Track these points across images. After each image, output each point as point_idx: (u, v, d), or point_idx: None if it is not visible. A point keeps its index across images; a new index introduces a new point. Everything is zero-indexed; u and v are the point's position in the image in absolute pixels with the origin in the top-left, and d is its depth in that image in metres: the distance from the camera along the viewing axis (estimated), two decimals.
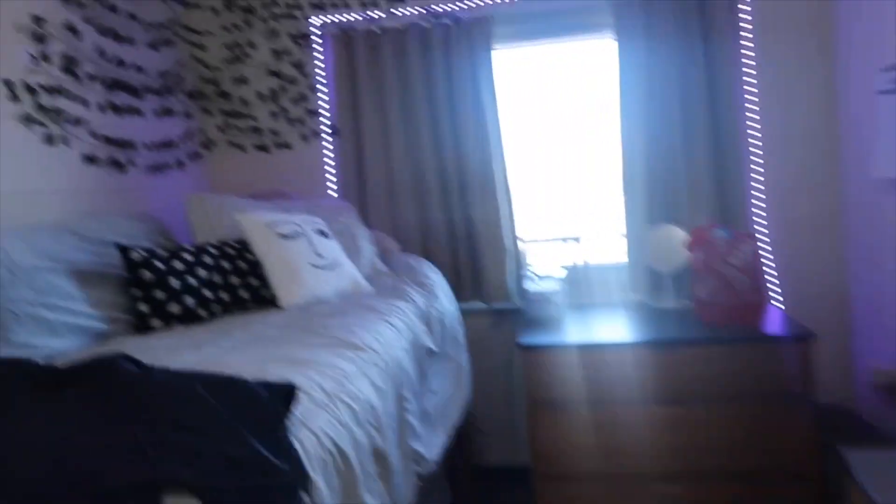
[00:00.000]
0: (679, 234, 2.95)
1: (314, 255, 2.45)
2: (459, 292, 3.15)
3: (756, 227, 3.03)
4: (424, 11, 3.16)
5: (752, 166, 3.02)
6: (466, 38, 3.08)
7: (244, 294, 2.32)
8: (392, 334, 2.06)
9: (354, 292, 2.50)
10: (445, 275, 3.06)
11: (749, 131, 3.02)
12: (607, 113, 3.17)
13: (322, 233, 2.58)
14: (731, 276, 2.63)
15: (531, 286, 2.99)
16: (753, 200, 3.02)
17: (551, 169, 3.37)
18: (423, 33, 3.15)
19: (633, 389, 2.58)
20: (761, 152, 3.02)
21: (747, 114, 3.01)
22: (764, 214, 3.04)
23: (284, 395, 1.35)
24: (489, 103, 3.11)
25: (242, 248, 2.40)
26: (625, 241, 3.12)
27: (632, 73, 3.02)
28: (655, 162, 3.01)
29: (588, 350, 2.61)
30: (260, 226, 2.43)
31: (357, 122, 3.24)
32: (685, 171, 2.99)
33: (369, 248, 2.83)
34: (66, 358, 1.79)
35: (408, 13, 3.18)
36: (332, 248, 2.56)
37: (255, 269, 2.37)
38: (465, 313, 3.08)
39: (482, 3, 3.14)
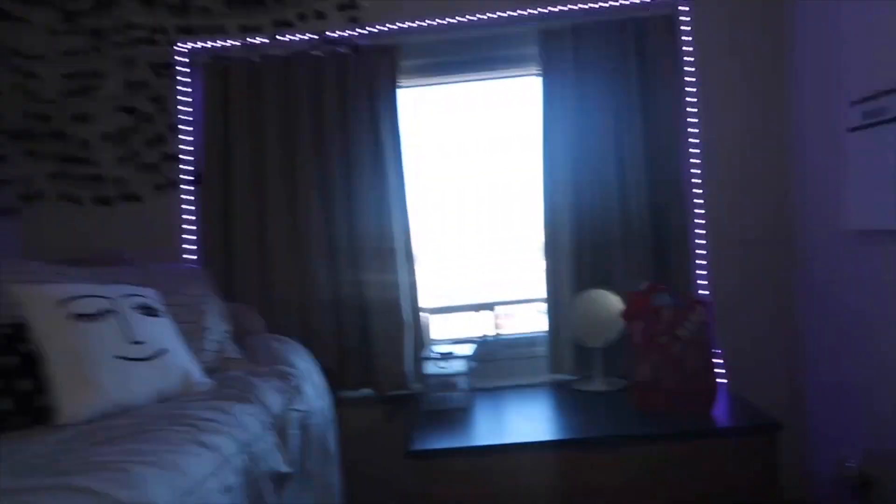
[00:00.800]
0: (611, 301, 2.33)
1: (126, 343, 1.69)
2: (345, 378, 2.43)
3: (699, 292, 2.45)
4: (316, 37, 2.52)
5: (697, 220, 2.46)
6: (366, 71, 2.45)
7: (7, 404, 1.53)
8: (206, 465, 1.32)
9: (185, 391, 1.74)
10: (329, 357, 2.36)
11: (693, 180, 2.46)
12: (528, 161, 2.58)
13: (147, 310, 1.83)
14: (679, 353, 2.01)
15: (432, 368, 2.31)
16: (698, 261, 2.45)
17: (461, 226, 2.73)
18: (314, 63, 2.49)
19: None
20: (702, 201, 2.47)
21: (692, 160, 2.47)
22: (705, 274, 2.47)
23: None
24: (391, 149, 2.46)
25: (16, 335, 1.62)
26: (545, 310, 2.48)
27: (558, 114, 2.44)
28: (584, 216, 2.40)
29: (498, 454, 1.93)
30: (46, 302, 1.65)
31: (227, 170, 2.52)
32: (619, 226, 2.39)
33: (220, 327, 2.08)
34: None
35: (296, 39, 2.53)
36: (158, 332, 1.80)
37: (31, 365, 1.59)
38: (350, 403, 2.37)
39: (386, 28, 2.51)
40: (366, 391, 2.46)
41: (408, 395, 2.44)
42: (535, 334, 2.58)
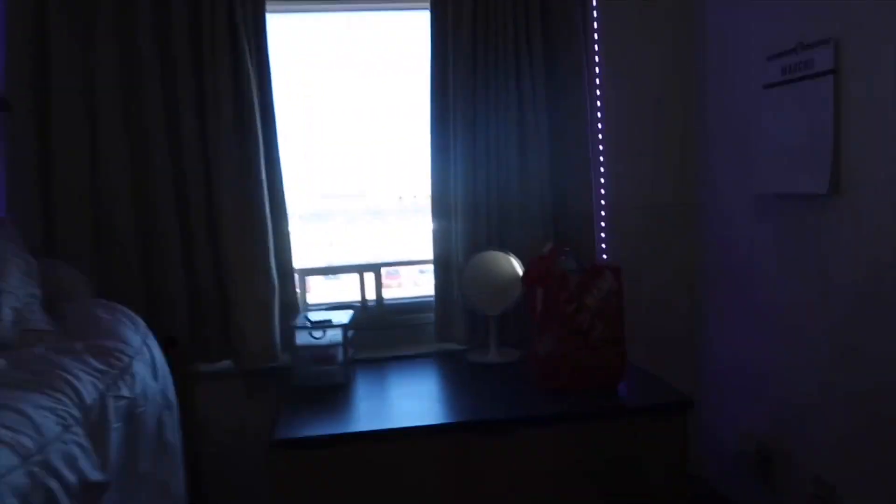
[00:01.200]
0: (508, 264, 2.06)
1: None
2: (199, 349, 2.01)
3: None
4: None
5: (600, 180, 2.23)
6: None
7: None
8: None
9: None
10: (180, 325, 1.93)
11: (598, 136, 2.22)
12: (416, 108, 2.22)
13: None
14: (585, 323, 1.77)
15: (304, 338, 1.94)
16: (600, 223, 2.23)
17: (339, 178, 2.34)
18: None
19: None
20: (605, 160, 2.24)
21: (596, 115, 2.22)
22: (604, 238, 2.26)
23: None
24: (258, 85, 2.00)
25: None
26: (433, 272, 2.17)
27: (449, 57, 2.07)
28: (479, 171, 2.09)
29: (381, 441, 1.60)
30: None
31: (43, 96, 1.95)
32: (518, 183, 2.10)
33: (26, 291, 1.57)
34: None
35: None
36: None
37: None
38: (208, 378, 1.97)
39: None
40: (225, 364, 2.04)
41: (276, 369, 2.05)
42: (423, 299, 2.26)
